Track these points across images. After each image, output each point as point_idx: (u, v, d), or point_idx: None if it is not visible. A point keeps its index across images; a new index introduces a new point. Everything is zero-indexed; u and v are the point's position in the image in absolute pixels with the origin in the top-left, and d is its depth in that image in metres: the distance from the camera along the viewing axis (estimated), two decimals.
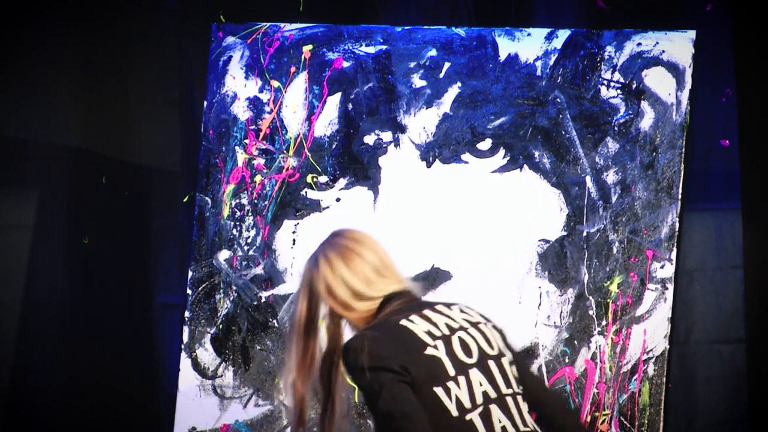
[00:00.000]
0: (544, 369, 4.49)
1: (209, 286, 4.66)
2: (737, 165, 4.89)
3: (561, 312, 4.50)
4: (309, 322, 3.12)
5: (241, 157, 4.68)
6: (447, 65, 4.62)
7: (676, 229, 4.48)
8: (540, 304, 4.51)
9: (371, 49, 4.67)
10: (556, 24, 4.81)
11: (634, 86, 4.54)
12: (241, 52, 4.72)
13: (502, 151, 4.58)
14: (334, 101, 4.66)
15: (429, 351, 2.98)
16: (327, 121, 4.66)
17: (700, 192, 4.88)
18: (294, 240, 4.65)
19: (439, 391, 2.96)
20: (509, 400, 3.01)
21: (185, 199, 4.98)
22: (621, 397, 4.44)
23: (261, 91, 4.70)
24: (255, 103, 4.70)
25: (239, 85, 4.71)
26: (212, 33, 4.74)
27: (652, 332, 4.46)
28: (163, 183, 5.06)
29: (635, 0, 4.89)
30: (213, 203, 4.69)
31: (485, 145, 4.59)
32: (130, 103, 5.06)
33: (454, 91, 4.61)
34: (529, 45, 4.59)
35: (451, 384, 2.96)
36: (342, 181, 4.63)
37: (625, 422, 4.43)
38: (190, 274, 4.66)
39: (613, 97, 4.55)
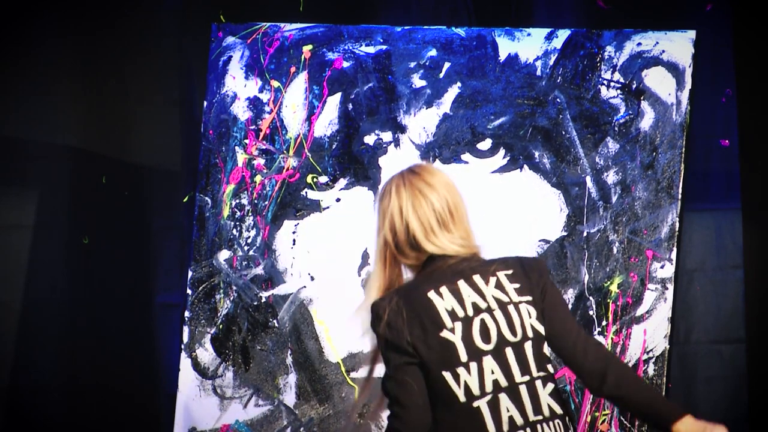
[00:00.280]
0: None
1: (209, 286, 4.66)
2: (737, 165, 4.89)
3: None
4: (384, 250, 3.05)
5: (241, 157, 4.68)
6: (447, 65, 4.62)
7: (676, 229, 4.48)
8: None
9: (371, 49, 4.67)
10: (556, 24, 4.81)
11: (634, 86, 4.54)
12: (241, 52, 4.72)
13: (502, 151, 4.58)
14: (334, 101, 4.66)
15: (444, 334, 2.96)
16: (327, 121, 4.66)
17: (700, 192, 4.88)
18: (294, 240, 4.65)
19: (447, 375, 2.95)
20: (522, 388, 2.98)
21: (185, 199, 4.98)
22: None
23: (261, 91, 4.70)
24: (255, 103, 4.70)
25: (239, 85, 4.70)
26: (212, 33, 4.74)
27: (652, 332, 4.46)
28: (163, 183, 5.06)
29: (635, 0, 4.89)
30: (213, 203, 4.68)
31: (485, 145, 4.59)
32: (130, 103, 5.06)
33: (454, 91, 4.61)
34: (529, 45, 4.60)
35: (461, 370, 2.95)
36: (342, 181, 4.63)
37: (625, 422, 4.43)
38: (190, 274, 4.66)
39: (613, 97, 4.55)
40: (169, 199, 5.04)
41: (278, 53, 4.70)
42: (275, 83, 4.69)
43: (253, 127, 4.69)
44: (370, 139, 4.63)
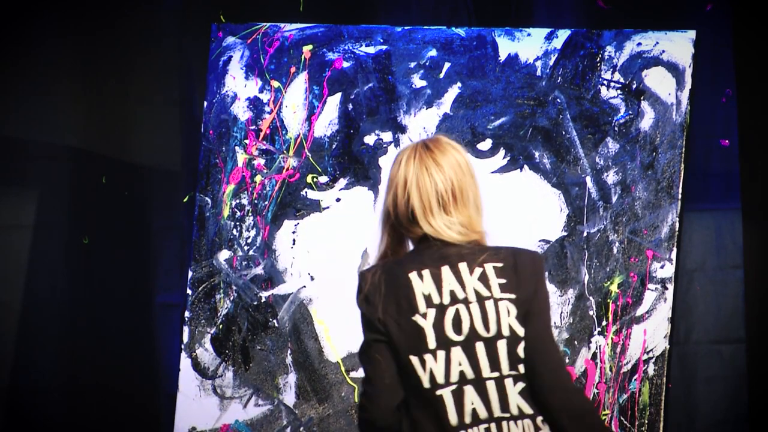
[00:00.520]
0: None
1: (209, 286, 4.66)
2: (737, 165, 4.89)
3: (561, 312, 4.50)
4: (385, 217, 3.04)
5: (241, 157, 4.68)
6: (447, 65, 4.62)
7: (676, 229, 4.48)
8: None
9: (371, 49, 4.67)
10: (556, 24, 4.81)
11: (634, 86, 4.54)
12: (241, 52, 4.72)
13: (502, 152, 4.58)
14: (334, 101, 4.66)
15: (416, 318, 2.94)
16: (327, 122, 4.66)
17: (700, 192, 4.88)
18: (294, 240, 4.65)
19: (414, 360, 2.94)
20: (490, 384, 2.95)
21: (185, 199, 4.98)
22: (621, 397, 4.44)
23: (261, 91, 4.70)
24: (255, 103, 4.70)
25: (239, 85, 4.70)
26: (212, 33, 4.74)
27: (652, 332, 4.46)
28: (163, 183, 5.05)
29: (635, 0, 4.89)
30: (213, 203, 4.68)
31: (485, 145, 4.59)
32: (130, 104, 5.06)
33: (454, 91, 4.61)
34: (529, 45, 4.59)
35: (427, 356, 2.94)
36: (342, 181, 4.63)
37: (625, 422, 4.43)
38: (190, 274, 4.66)
39: (613, 97, 4.55)
40: (169, 199, 5.04)
41: (278, 53, 4.70)
42: (275, 83, 4.69)
43: (253, 127, 4.69)
44: (370, 139, 4.63)
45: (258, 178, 4.67)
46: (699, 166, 4.90)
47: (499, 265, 3.01)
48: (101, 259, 5.02)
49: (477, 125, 4.59)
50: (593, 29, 4.60)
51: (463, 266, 2.99)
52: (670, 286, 4.46)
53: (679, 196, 4.49)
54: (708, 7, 4.91)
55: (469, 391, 2.94)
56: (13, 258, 5.02)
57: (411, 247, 3.03)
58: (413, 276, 2.96)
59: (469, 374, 2.95)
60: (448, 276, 2.98)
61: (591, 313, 4.49)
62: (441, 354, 2.94)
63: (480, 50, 4.62)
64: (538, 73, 4.58)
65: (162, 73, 5.06)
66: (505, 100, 4.59)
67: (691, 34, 4.53)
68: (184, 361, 4.63)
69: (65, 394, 4.98)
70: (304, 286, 4.62)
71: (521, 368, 2.96)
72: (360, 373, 4.51)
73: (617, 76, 4.55)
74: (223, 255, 4.66)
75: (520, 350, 2.96)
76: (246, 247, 4.65)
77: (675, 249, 4.48)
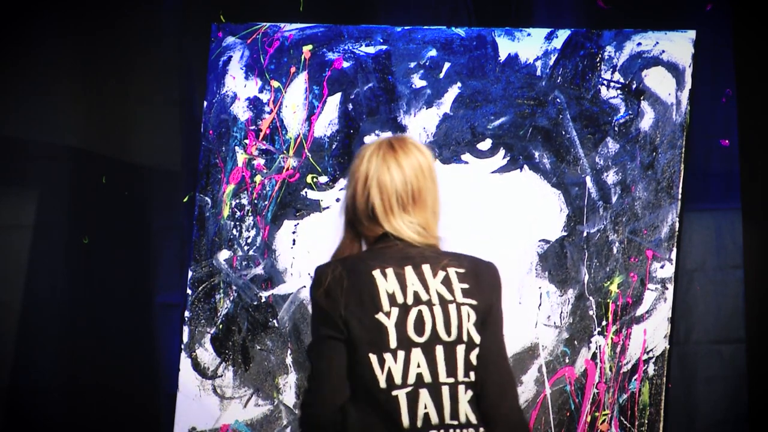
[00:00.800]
0: (544, 369, 4.49)
1: (209, 286, 4.66)
2: (737, 165, 4.89)
3: (561, 312, 4.50)
4: (346, 211, 3.02)
5: (241, 157, 4.68)
6: (447, 65, 4.62)
7: (676, 229, 4.48)
8: (540, 305, 4.51)
9: (371, 49, 4.67)
10: (556, 24, 4.81)
11: (634, 86, 4.54)
12: (241, 52, 4.72)
13: (502, 152, 4.58)
14: (334, 101, 4.66)
15: (379, 316, 2.91)
16: (327, 122, 4.66)
17: (700, 192, 4.88)
18: (294, 240, 4.65)
19: (373, 358, 2.90)
20: (445, 389, 2.93)
21: (185, 199, 4.98)
22: (621, 397, 4.44)
23: (261, 91, 4.70)
24: (255, 103, 4.70)
25: (239, 85, 4.70)
26: (212, 33, 4.74)
27: (652, 332, 4.46)
28: (163, 183, 5.05)
29: (635, 0, 4.89)
30: (213, 203, 4.68)
31: (485, 145, 4.59)
32: (130, 104, 5.06)
33: (454, 91, 4.61)
34: (529, 45, 4.59)
35: (387, 355, 2.91)
36: (342, 182, 4.63)
37: (625, 422, 4.43)
38: (190, 274, 4.66)
39: (613, 97, 4.55)
40: (169, 199, 5.04)
41: (278, 53, 4.70)
42: (275, 83, 4.69)
43: (253, 127, 4.69)
44: (370, 139, 4.63)
45: (258, 178, 4.67)
46: (699, 166, 4.90)
47: (461, 270, 3.00)
48: (101, 259, 5.02)
49: (477, 125, 4.59)
50: (593, 29, 4.60)
51: (426, 268, 2.98)
52: (670, 286, 4.46)
53: (679, 196, 4.49)
54: (708, 7, 4.91)
55: (424, 395, 2.92)
56: (13, 258, 5.02)
57: (364, 246, 3.01)
58: (377, 273, 2.94)
59: (426, 377, 2.92)
60: (411, 276, 2.96)
61: (591, 313, 4.49)
62: (401, 354, 2.92)
63: (480, 50, 4.62)
64: (538, 73, 4.58)
65: (162, 73, 5.06)
66: (505, 100, 4.59)
67: (691, 34, 4.53)
68: (184, 361, 4.63)
69: (65, 394, 4.98)
70: (304, 286, 4.62)
71: (472, 376, 2.95)
72: None
73: (617, 76, 4.55)
74: (223, 255, 4.66)
75: (474, 357, 2.95)
76: (246, 247, 4.65)
77: (675, 249, 4.48)
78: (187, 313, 4.64)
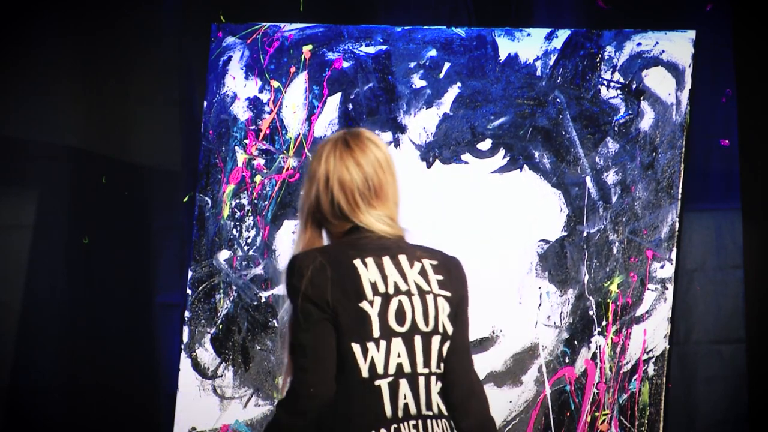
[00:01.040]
0: (544, 369, 4.49)
1: (209, 286, 4.66)
2: (737, 165, 4.89)
3: (561, 312, 4.50)
4: (307, 212, 3.01)
5: (241, 157, 4.68)
6: (447, 65, 4.62)
7: (676, 229, 4.48)
8: (540, 305, 4.51)
9: (371, 49, 4.67)
10: (556, 24, 4.81)
11: (634, 86, 4.54)
12: (241, 52, 4.72)
13: (502, 152, 4.58)
14: (334, 101, 4.66)
15: (363, 305, 2.91)
16: (327, 122, 4.66)
17: (700, 192, 4.88)
18: (294, 240, 4.64)
19: (356, 347, 2.89)
20: (421, 379, 2.94)
21: (185, 199, 4.98)
22: (621, 397, 4.44)
23: (261, 91, 4.70)
24: (255, 103, 4.70)
25: (239, 85, 4.71)
26: (212, 33, 4.74)
27: (652, 332, 4.46)
28: (163, 183, 5.06)
29: (635, 0, 4.89)
30: (213, 203, 4.68)
31: (485, 145, 4.59)
32: (130, 103, 5.06)
33: (454, 91, 4.61)
34: (529, 45, 4.60)
35: (371, 345, 2.90)
36: None
37: (625, 422, 4.43)
38: (190, 274, 4.66)
39: (613, 97, 4.55)
40: (169, 199, 5.04)
41: (278, 53, 4.70)
42: (275, 83, 4.69)
43: (253, 127, 4.69)
44: None
45: (258, 178, 4.67)
46: (699, 166, 4.90)
47: (434, 262, 3.02)
48: (101, 259, 5.03)
49: (477, 125, 4.59)
50: (593, 29, 4.60)
51: (403, 258, 2.99)
52: (670, 286, 4.46)
53: (679, 196, 4.49)
54: (708, 7, 4.91)
55: (404, 385, 2.92)
56: (13, 258, 5.02)
57: (326, 240, 3.01)
58: (357, 263, 2.93)
59: (406, 368, 2.93)
60: (389, 267, 2.96)
61: (591, 313, 4.49)
62: (383, 344, 2.91)
63: (480, 50, 4.62)
64: (538, 73, 4.58)
65: (162, 73, 5.06)
66: (505, 100, 4.59)
67: (691, 34, 4.53)
68: (184, 361, 4.63)
69: (65, 394, 4.99)
70: None
71: (442, 367, 2.97)
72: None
73: (617, 76, 4.55)
74: (223, 255, 4.66)
75: (445, 349, 2.97)
76: (246, 247, 4.65)
77: (675, 249, 4.48)
78: (187, 313, 4.64)
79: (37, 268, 5.02)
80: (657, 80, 4.53)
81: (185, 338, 4.63)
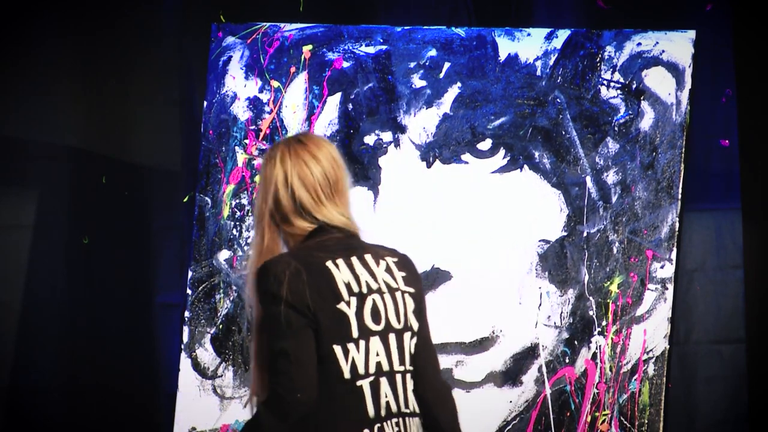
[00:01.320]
0: (544, 369, 4.49)
1: (209, 286, 4.66)
2: (737, 165, 4.89)
3: (561, 312, 4.50)
4: (266, 217, 2.99)
5: (241, 157, 4.68)
6: (447, 65, 4.62)
7: (676, 229, 4.48)
8: (540, 305, 4.51)
9: (371, 49, 4.67)
10: (556, 24, 4.81)
11: (634, 86, 4.54)
12: (241, 52, 4.72)
13: (502, 152, 4.58)
14: (334, 101, 4.66)
15: (341, 306, 2.91)
16: (327, 121, 4.66)
17: (700, 192, 4.88)
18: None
19: (337, 349, 2.89)
20: (398, 377, 2.95)
21: (185, 199, 4.98)
22: (621, 397, 4.44)
23: (261, 91, 4.70)
24: (255, 103, 4.70)
25: (239, 85, 4.70)
26: (212, 33, 4.74)
27: (652, 332, 4.46)
28: (163, 183, 5.05)
29: (635, 0, 4.89)
30: (213, 203, 4.68)
31: (485, 145, 4.59)
32: (130, 103, 5.06)
33: (454, 91, 4.61)
34: (529, 45, 4.60)
35: (351, 345, 2.90)
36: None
37: (625, 422, 4.43)
38: (190, 274, 4.66)
39: (613, 97, 4.55)
40: (169, 199, 5.04)
41: (278, 53, 4.70)
42: (275, 83, 4.69)
43: (253, 127, 4.69)
44: (370, 139, 4.63)
45: (258, 178, 4.67)
46: (699, 166, 4.90)
47: (395, 259, 3.04)
48: (101, 259, 5.02)
49: (477, 125, 4.59)
50: (593, 29, 4.60)
51: (369, 258, 3.00)
52: (670, 286, 4.46)
53: (679, 196, 4.49)
54: (708, 7, 4.91)
55: (384, 384, 2.93)
56: (13, 258, 5.02)
57: (283, 248, 3.00)
58: (330, 265, 2.93)
59: (385, 366, 2.93)
60: (359, 266, 2.97)
61: (591, 313, 4.49)
62: (362, 344, 2.92)
63: (480, 50, 4.62)
64: (538, 73, 4.58)
65: (162, 73, 5.06)
66: (505, 100, 4.59)
67: (691, 34, 4.53)
68: (184, 361, 4.63)
69: (65, 394, 4.98)
70: None
71: (412, 364, 2.99)
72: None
73: (617, 76, 4.55)
74: (223, 255, 4.66)
75: (413, 345, 2.99)
76: (246, 247, 4.65)
77: (675, 249, 4.47)
78: (187, 313, 4.64)
79: (37, 268, 5.02)
80: (657, 80, 4.53)
81: (185, 338, 4.63)
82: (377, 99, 4.64)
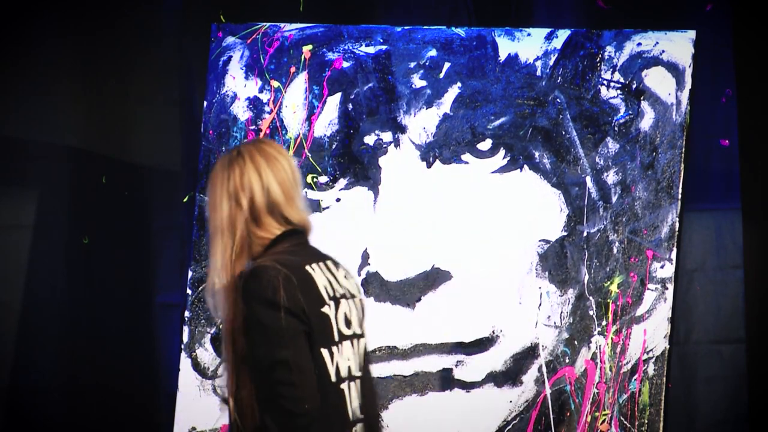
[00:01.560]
0: (544, 369, 4.49)
1: None
2: (737, 165, 4.89)
3: (561, 312, 4.50)
4: (235, 222, 2.97)
5: None
6: (447, 65, 4.62)
7: (676, 229, 4.48)
8: (540, 305, 4.51)
9: (371, 49, 4.67)
10: (556, 24, 4.81)
11: (634, 86, 4.54)
12: (241, 52, 4.72)
13: (502, 152, 4.58)
14: (334, 101, 4.66)
15: (325, 309, 2.92)
16: (327, 122, 4.66)
17: (700, 192, 4.89)
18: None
19: (325, 352, 2.90)
20: (359, 382, 2.98)
21: (185, 199, 4.98)
22: (621, 397, 4.44)
23: (261, 91, 4.70)
24: (255, 103, 4.70)
25: (239, 85, 4.71)
26: (212, 33, 4.74)
27: (652, 332, 4.46)
28: (163, 183, 5.05)
29: (635, 0, 4.89)
30: None
31: (485, 145, 4.59)
32: (130, 103, 5.06)
33: (454, 91, 4.61)
34: (529, 45, 4.60)
35: (335, 349, 2.92)
36: (342, 182, 4.63)
37: (625, 422, 4.44)
38: (190, 274, 4.66)
39: (613, 97, 4.55)
40: (169, 199, 5.04)
41: (278, 53, 4.70)
42: (275, 83, 4.69)
43: (253, 127, 4.69)
44: (370, 139, 4.63)
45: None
46: (699, 166, 4.90)
47: (343, 267, 3.06)
48: (101, 259, 5.02)
49: (477, 125, 4.59)
50: (593, 29, 4.60)
51: (330, 264, 3.02)
52: (670, 286, 4.46)
53: (679, 196, 4.49)
54: (708, 7, 4.91)
55: (353, 388, 2.96)
56: (13, 258, 5.02)
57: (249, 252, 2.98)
58: (308, 269, 2.94)
59: (354, 371, 2.97)
60: (326, 271, 2.98)
61: (591, 313, 4.49)
62: (340, 347, 2.94)
63: (480, 50, 4.62)
64: (538, 73, 4.58)
65: (162, 73, 5.06)
66: (505, 100, 4.59)
67: (691, 34, 4.53)
68: (184, 361, 4.63)
69: (65, 394, 4.99)
70: None
71: (362, 370, 3.03)
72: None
73: (617, 76, 4.55)
74: None
75: (364, 352, 3.04)
76: None
77: (675, 249, 4.48)
78: (187, 313, 4.64)
79: (37, 268, 5.02)
80: (657, 80, 4.53)
81: (185, 338, 4.63)
82: (377, 99, 4.64)
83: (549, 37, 4.60)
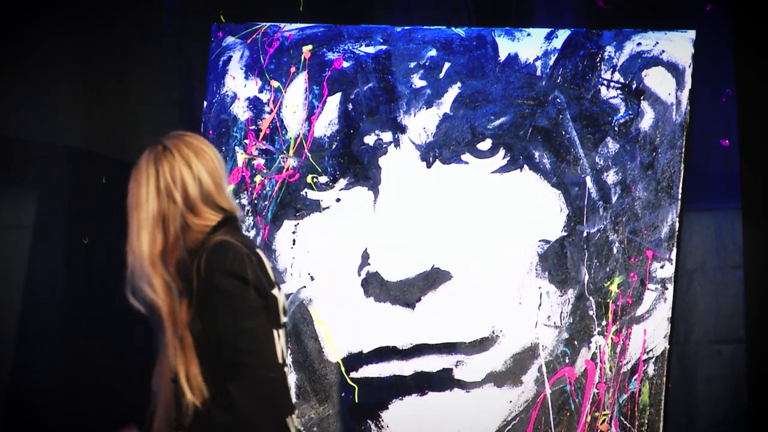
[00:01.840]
0: (544, 369, 4.49)
1: None
2: (737, 165, 4.89)
3: (561, 312, 4.50)
4: (167, 213, 3.02)
5: (241, 157, 4.68)
6: (447, 65, 4.62)
7: (676, 229, 4.48)
8: (540, 305, 4.51)
9: (371, 49, 4.67)
10: (556, 24, 4.81)
11: (634, 86, 4.54)
12: (241, 52, 4.72)
13: (502, 152, 4.58)
14: (334, 101, 4.66)
15: (274, 291, 2.99)
16: (327, 122, 4.66)
17: (700, 192, 4.88)
18: (294, 240, 4.65)
19: (274, 332, 2.95)
20: (286, 370, 3.01)
21: None
22: (621, 397, 4.44)
23: (261, 91, 4.70)
24: (255, 103, 4.70)
25: (239, 85, 4.70)
26: (212, 33, 4.74)
27: (652, 332, 4.46)
28: None
29: (635, 0, 4.89)
30: None
31: (485, 145, 4.59)
32: (130, 103, 5.06)
33: (454, 91, 4.61)
34: (529, 45, 4.60)
35: (280, 332, 2.97)
36: (342, 182, 4.63)
37: (625, 422, 4.43)
38: None
39: (613, 97, 4.55)
40: None
41: (278, 53, 4.70)
42: (275, 83, 4.69)
43: (253, 127, 4.69)
44: (370, 139, 4.63)
45: (258, 178, 4.67)
46: (699, 166, 4.90)
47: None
48: (101, 259, 5.02)
49: (477, 125, 4.59)
50: (593, 29, 4.60)
51: (260, 252, 3.06)
52: (670, 286, 4.46)
53: (679, 196, 4.49)
54: (708, 7, 4.91)
55: (287, 375, 3.01)
56: (13, 258, 5.02)
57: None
58: (259, 252, 3.02)
59: (286, 358, 3.01)
60: (265, 258, 3.05)
61: (591, 313, 4.49)
62: (280, 332, 2.99)
63: (480, 50, 4.62)
64: (538, 73, 4.58)
65: (162, 73, 5.06)
66: (505, 100, 4.59)
67: (691, 34, 4.53)
68: None
69: (65, 394, 4.98)
70: (304, 286, 4.62)
71: None
72: (362, 373, 4.51)
73: (617, 76, 4.55)
74: None
75: None
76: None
77: (675, 249, 4.48)
78: None
79: (37, 268, 5.02)
80: (657, 80, 4.53)
81: None
82: (377, 99, 4.64)
83: (549, 37, 4.60)
